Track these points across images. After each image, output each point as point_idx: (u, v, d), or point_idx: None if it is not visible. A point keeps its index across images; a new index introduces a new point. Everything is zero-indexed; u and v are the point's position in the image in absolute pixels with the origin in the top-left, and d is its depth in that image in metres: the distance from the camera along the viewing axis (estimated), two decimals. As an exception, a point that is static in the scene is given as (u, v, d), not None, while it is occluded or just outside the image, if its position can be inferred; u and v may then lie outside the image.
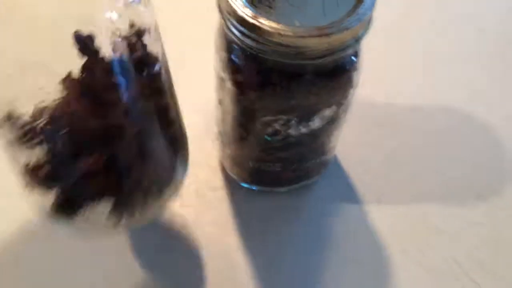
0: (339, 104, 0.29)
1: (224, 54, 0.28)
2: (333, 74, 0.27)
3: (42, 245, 0.34)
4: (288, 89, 0.27)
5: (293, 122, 0.29)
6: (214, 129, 0.37)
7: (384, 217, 0.36)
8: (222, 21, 0.26)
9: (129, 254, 0.34)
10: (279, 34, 0.24)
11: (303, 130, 0.30)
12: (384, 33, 0.42)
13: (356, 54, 0.28)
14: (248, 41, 0.25)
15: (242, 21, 0.24)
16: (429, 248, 0.35)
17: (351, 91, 0.29)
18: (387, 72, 0.44)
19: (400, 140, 0.40)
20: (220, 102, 0.32)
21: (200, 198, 0.37)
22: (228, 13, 0.25)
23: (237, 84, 0.27)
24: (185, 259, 0.34)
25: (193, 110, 0.33)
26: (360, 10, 0.24)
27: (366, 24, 0.25)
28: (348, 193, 0.37)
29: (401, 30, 0.48)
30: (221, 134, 0.34)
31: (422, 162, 0.39)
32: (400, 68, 0.45)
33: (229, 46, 0.27)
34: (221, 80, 0.29)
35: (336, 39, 0.24)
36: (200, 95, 0.34)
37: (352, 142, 0.39)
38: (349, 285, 0.33)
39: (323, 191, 0.37)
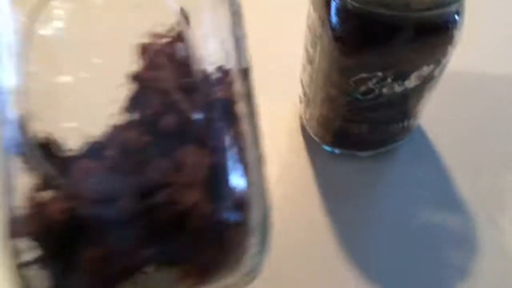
0: (437, 63, 0.28)
1: (322, 8, 0.28)
2: (435, 30, 0.27)
3: None
4: (389, 44, 0.26)
5: (388, 80, 0.29)
6: (297, 90, 0.37)
7: (469, 185, 0.35)
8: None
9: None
10: (388, -16, 0.23)
11: (397, 89, 0.29)
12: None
13: (458, 12, 0.27)
14: (352, -7, 0.25)
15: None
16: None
17: (451, 49, 0.28)
18: (481, 36, 0.42)
19: (488, 109, 0.39)
20: (311, 61, 0.32)
21: (281, 159, 0.37)
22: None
23: (336, 39, 0.27)
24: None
25: (274, 72, 0.34)
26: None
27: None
28: (431, 159, 0.37)
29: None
30: (307, 95, 0.34)
31: (507, 129, 0.38)
32: (496, 34, 0.43)
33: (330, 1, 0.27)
34: (315, 37, 0.30)
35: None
36: (281, 54, 0.34)
37: (437, 107, 0.38)
38: (432, 253, 0.33)
39: (406, 156, 0.37)
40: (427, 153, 0.37)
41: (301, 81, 0.35)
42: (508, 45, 0.43)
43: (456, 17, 0.27)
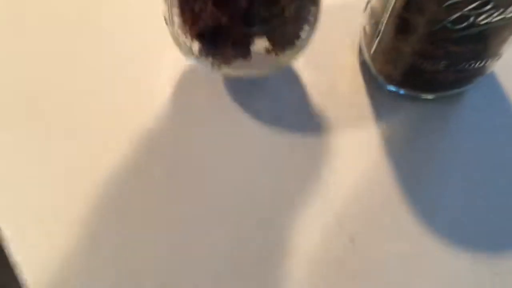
0: (549, -11, 0.25)
1: None
2: None
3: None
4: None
5: (489, 5, 0.25)
6: (357, 19, 0.33)
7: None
8: None
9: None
10: None
11: (496, 18, 0.26)
12: None
13: None
14: None
15: None
16: None
17: None
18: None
19: None
20: (393, -18, 0.28)
21: (337, 99, 0.34)
22: None
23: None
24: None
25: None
26: None
27: None
28: (502, 106, 0.34)
29: None
30: (377, 23, 0.31)
31: None
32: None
33: None
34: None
35: None
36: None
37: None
38: (499, 203, 0.31)
39: (475, 102, 0.34)
40: (498, 99, 0.34)
41: (369, 7, 0.31)
42: None
43: None
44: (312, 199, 0.30)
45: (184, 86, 0.34)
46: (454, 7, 0.25)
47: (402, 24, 0.28)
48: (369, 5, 0.32)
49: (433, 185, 0.31)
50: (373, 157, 0.32)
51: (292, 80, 0.34)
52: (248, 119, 0.33)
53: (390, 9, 0.29)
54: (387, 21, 0.30)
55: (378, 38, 0.31)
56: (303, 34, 0.30)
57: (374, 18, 0.31)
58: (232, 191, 0.31)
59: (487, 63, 0.30)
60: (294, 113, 0.33)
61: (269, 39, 0.29)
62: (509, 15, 0.26)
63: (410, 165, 0.32)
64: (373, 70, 0.34)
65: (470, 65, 0.30)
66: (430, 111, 0.33)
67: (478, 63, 0.30)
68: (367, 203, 0.31)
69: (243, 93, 0.34)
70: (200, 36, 0.29)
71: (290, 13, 0.28)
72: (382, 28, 0.30)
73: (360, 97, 0.34)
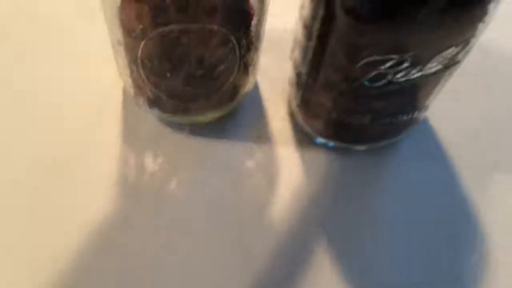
0: (466, 44, 0.23)
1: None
2: (468, 3, 0.21)
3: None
4: (414, 19, 0.21)
5: (405, 64, 0.23)
6: (286, 71, 0.31)
7: (479, 186, 0.31)
8: None
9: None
10: None
11: (414, 75, 0.24)
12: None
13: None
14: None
15: None
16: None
17: (483, 27, 0.23)
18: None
19: (500, 96, 0.34)
20: (308, 37, 0.26)
21: (265, 151, 0.32)
22: None
23: (348, 11, 0.22)
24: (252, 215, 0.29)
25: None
26: None
27: None
28: (437, 155, 0.32)
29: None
30: (300, 77, 0.29)
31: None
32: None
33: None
34: (317, 6, 0.24)
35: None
36: (271, 29, 0.29)
37: (444, 96, 0.33)
38: (434, 258, 0.29)
39: (408, 151, 0.32)
40: (432, 149, 0.32)
41: (293, 60, 0.29)
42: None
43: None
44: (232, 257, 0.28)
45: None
46: (370, 66, 0.24)
47: (323, 79, 0.26)
48: (293, 56, 0.30)
49: (364, 242, 0.29)
50: (302, 211, 0.30)
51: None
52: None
53: (309, 64, 0.27)
54: (308, 75, 0.28)
55: (301, 91, 0.29)
56: (241, 90, 0.30)
57: (296, 71, 0.29)
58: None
59: (414, 115, 0.29)
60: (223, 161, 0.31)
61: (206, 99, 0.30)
62: (429, 71, 0.24)
63: (340, 223, 0.30)
64: (300, 121, 0.32)
65: (396, 118, 0.28)
66: (362, 163, 0.32)
67: (404, 116, 0.28)
68: (295, 263, 0.28)
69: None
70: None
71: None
72: (305, 82, 0.29)
73: (289, 149, 0.32)
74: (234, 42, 0.25)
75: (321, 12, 0.24)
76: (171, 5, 0.22)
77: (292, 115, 0.33)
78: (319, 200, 0.30)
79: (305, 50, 0.27)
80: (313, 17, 0.25)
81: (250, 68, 0.29)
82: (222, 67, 0.26)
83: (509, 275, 0.29)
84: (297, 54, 0.29)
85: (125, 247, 0.28)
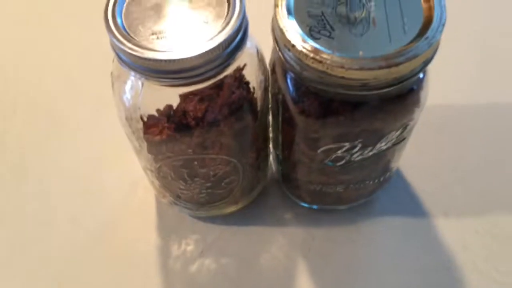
0: (405, 126, 0.27)
1: (282, 79, 0.27)
2: (399, 97, 0.25)
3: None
4: (352, 117, 0.25)
5: (357, 148, 0.27)
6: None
7: (453, 232, 0.34)
8: (279, 52, 0.25)
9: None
10: (343, 67, 0.22)
11: (368, 154, 0.28)
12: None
13: (424, 71, 0.26)
14: (308, 75, 0.24)
15: (302, 56, 0.23)
16: (505, 265, 0.33)
17: (418, 111, 0.27)
18: (443, 73, 0.41)
19: (464, 146, 0.38)
20: (277, 127, 0.30)
21: (256, 216, 0.36)
22: (285, 47, 0.24)
23: (300, 113, 0.26)
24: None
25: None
26: (430, 33, 0.23)
27: (436, 46, 0.23)
28: (412, 206, 0.36)
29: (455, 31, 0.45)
30: (278, 155, 0.33)
31: (491, 168, 0.37)
32: (457, 67, 0.42)
33: (287, 75, 0.26)
34: (276, 106, 0.28)
35: (405, 67, 0.22)
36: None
37: (413, 150, 0.37)
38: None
39: (386, 205, 0.36)
40: (406, 199, 0.36)
41: (271, 140, 0.34)
42: (482, 76, 0.42)
43: (421, 76, 0.26)
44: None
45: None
46: (328, 152, 0.28)
47: (294, 160, 0.31)
48: (271, 137, 0.35)
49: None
50: (292, 273, 0.34)
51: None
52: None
53: (281, 148, 0.32)
54: (283, 155, 0.32)
55: (281, 167, 0.34)
56: (254, 188, 0.35)
57: (277, 152, 0.34)
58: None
59: (382, 179, 0.32)
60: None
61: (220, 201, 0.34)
62: (379, 150, 0.28)
63: (325, 274, 0.33)
64: (285, 190, 0.36)
65: (365, 184, 0.32)
66: (344, 220, 0.35)
67: (371, 181, 0.32)
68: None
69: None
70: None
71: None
72: (282, 161, 0.33)
73: (279, 213, 0.36)
74: (237, 162, 0.30)
75: (280, 111, 0.28)
76: (192, 141, 0.27)
77: (279, 184, 0.37)
78: (309, 259, 0.34)
79: (277, 136, 0.32)
80: (277, 113, 0.29)
81: (261, 172, 0.34)
82: (227, 180, 0.31)
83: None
84: (273, 137, 0.33)
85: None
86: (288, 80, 0.26)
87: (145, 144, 0.28)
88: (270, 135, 0.33)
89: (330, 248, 0.34)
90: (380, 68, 0.22)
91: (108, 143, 0.39)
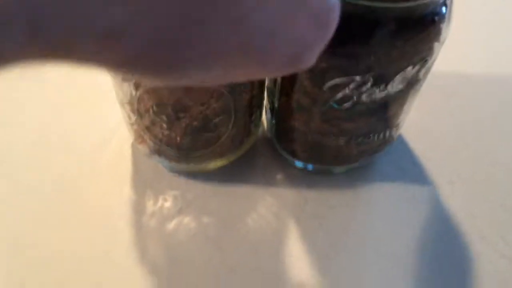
0: (423, 62, 0.24)
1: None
2: (420, 24, 0.22)
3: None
4: (367, 41, 0.22)
5: (368, 85, 0.24)
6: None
7: (458, 200, 0.32)
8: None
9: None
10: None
11: (378, 95, 0.25)
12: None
13: (446, 4, 0.23)
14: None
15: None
16: (511, 235, 0.30)
17: (438, 46, 0.24)
18: (458, 36, 0.39)
19: (473, 112, 0.35)
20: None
21: (245, 176, 0.32)
22: None
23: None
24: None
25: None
26: None
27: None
28: (415, 173, 0.33)
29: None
30: (274, 104, 0.30)
31: (499, 135, 0.34)
32: (474, 33, 0.40)
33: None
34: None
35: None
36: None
37: (418, 114, 0.34)
38: (421, 277, 0.29)
39: (386, 171, 0.33)
40: (408, 165, 0.33)
41: (267, 89, 0.31)
42: (494, 45, 0.40)
43: (443, 9, 0.23)
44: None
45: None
46: (334, 88, 0.25)
47: (295, 105, 0.28)
48: (266, 85, 0.31)
49: (347, 260, 0.29)
50: (282, 235, 0.30)
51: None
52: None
53: (279, 91, 0.28)
54: (280, 101, 0.29)
55: (276, 118, 0.30)
56: (244, 141, 0.32)
57: (270, 98, 0.30)
58: None
59: (387, 134, 0.29)
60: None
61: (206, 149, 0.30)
62: (392, 90, 0.25)
63: (319, 239, 0.30)
64: (278, 147, 0.33)
65: (369, 138, 0.29)
66: (342, 184, 0.32)
67: (377, 136, 0.29)
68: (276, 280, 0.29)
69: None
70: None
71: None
72: (278, 108, 0.30)
73: (269, 173, 0.33)
74: (229, 97, 0.26)
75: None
76: None
77: (270, 141, 0.34)
78: (299, 222, 0.31)
79: (274, 78, 0.28)
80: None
81: (253, 123, 0.31)
82: (217, 119, 0.27)
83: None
84: (269, 81, 0.30)
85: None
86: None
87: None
88: (266, 83, 0.30)
89: (324, 212, 0.31)
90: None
91: (82, 86, 0.35)
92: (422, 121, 0.34)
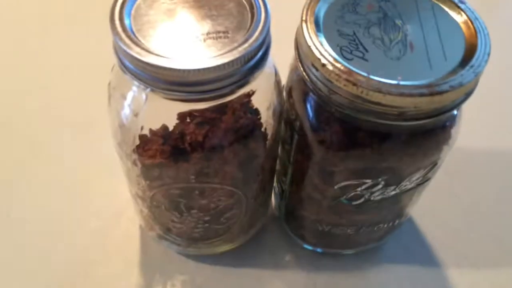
0: (434, 165, 0.25)
1: (300, 103, 0.24)
2: (431, 132, 0.23)
3: None
4: (379, 150, 0.23)
5: (379, 186, 0.25)
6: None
7: (467, 284, 0.31)
8: (302, 71, 0.22)
9: None
10: (380, 92, 0.20)
11: (389, 194, 0.25)
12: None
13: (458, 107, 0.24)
14: (337, 98, 0.21)
15: (333, 77, 0.20)
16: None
17: (448, 149, 0.24)
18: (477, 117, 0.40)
19: (480, 192, 0.35)
20: (288, 157, 0.27)
21: (259, 260, 0.32)
22: (313, 66, 0.21)
23: (319, 143, 0.23)
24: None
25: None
26: (475, 61, 0.20)
27: (479, 76, 0.21)
28: (422, 255, 0.33)
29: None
30: (282, 187, 0.30)
31: (508, 216, 0.34)
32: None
33: (307, 99, 0.23)
34: (291, 134, 0.26)
35: (449, 96, 0.20)
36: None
37: (426, 195, 0.34)
38: None
39: (395, 252, 0.33)
40: (417, 246, 0.33)
41: (277, 173, 0.31)
42: (498, 123, 0.40)
43: (455, 113, 0.24)
44: None
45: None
46: (346, 189, 0.25)
47: (305, 195, 0.28)
48: (277, 168, 0.32)
49: None
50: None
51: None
52: None
53: (290, 180, 0.28)
54: (290, 189, 0.29)
55: (285, 203, 0.31)
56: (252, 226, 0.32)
57: (282, 186, 0.31)
58: None
59: (396, 223, 0.30)
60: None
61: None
62: (402, 189, 0.25)
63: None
64: (287, 229, 0.33)
65: (378, 227, 0.29)
66: (350, 266, 0.32)
67: (385, 225, 0.29)
68: None
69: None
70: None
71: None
72: (288, 195, 0.30)
73: (278, 254, 0.32)
74: (241, 195, 0.26)
75: (295, 140, 0.25)
76: (190, 167, 0.23)
77: (279, 219, 0.34)
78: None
79: (285, 167, 0.28)
80: (290, 142, 0.26)
81: (260, 210, 0.31)
82: (228, 214, 0.27)
83: None
84: (279, 167, 0.30)
85: None
86: (308, 105, 0.24)
87: (139, 168, 0.25)
88: (277, 167, 0.30)
89: (334, 296, 0.31)
90: (422, 95, 0.19)
91: (92, 166, 0.35)
92: (429, 202, 0.34)
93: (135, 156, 0.24)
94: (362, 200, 0.26)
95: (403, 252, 0.33)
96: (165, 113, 0.23)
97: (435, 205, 0.34)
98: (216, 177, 0.25)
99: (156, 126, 0.23)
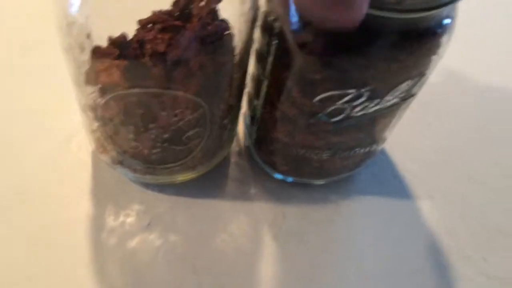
0: (420, 76, 0.23)
1: (280, 4, 0.21)
2: (422, 37, 0.21)
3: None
4: (367, 53, 0.20)
5: (362, 98, 0.22)
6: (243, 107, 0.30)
7: (438, 217, 0.31)
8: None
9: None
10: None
11: (372, 109, 0.23)
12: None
13: (449, 16, 0.22)
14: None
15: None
16: (492, 254, 0.30)
17: (437, 59, 0.22)
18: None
19: (455, 127, 0.34)
20: (262, 70, 0.25)
21: (224, 188, 0.30)
22: None
23: (300, 46, 0.21)
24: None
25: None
26: None
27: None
28: (394, 187, 0.32)
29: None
30: (255, 113, 0.27)
31: (482, 152, 0.34)
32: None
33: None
34: (269, 40, 0.23)
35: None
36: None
37: (401, 127, 0.33)
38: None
39: (366, 184, 0.31)
40: (389, 178, 0.32)
41: (248, 95, 0.28)
42: (477, 61, 0.39)
43: (447, 21, 0.21)
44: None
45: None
46: (326, 101, 0.23)
47: (280, 115, 0.25)
48: (248, 91, 0.29)
49: (325, 278, 0.28)
50: (260, 250, 0.28)
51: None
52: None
53: (264, 99, 0.26)
54: (263, 110, 0.26)
55: (257, 126, 0.28)
56: (216, 154, 0.29)
57: (252, 106, 0.28)
58: None
59: (372, 148, 0.28)
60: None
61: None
62: (386, 105, 0.23)
63: (299, 257, 0.28)
64: (257, 158, 0.30)
65: (354, 152, 0.27)
66: (321, 197, 0.30)
67: (362, 149, 0.27)
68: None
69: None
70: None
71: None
72: (260, 118, 0.27)
73: (244, 186, 0.30)
74: (206, 109, 0.23)
75: (274, 47, 0.23)
76: (147, 68, 0.20)
77: (248, 151, 0.31)
78: (278, 236, 0.29)
79: (259, 85, 0.26)
80: (266, 51, 0.23)
81: (228, 134, 0.28)
82: (190, 133, 0.24)
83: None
84: (251, 88, 0.28)
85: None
86: (291, 1, 0.21)
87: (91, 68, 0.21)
88: (248, 89, 0.28)
89: (304, 228, 0.29)
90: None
91: (39, 89, 0.31)
92: (402, 135, 0.32)
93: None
94: (342, 116, 0.23)
95: (374, 184, 0.31)
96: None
97: (408, 138, 0.33)
98: (181, 83, 0.22)
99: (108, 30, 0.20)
